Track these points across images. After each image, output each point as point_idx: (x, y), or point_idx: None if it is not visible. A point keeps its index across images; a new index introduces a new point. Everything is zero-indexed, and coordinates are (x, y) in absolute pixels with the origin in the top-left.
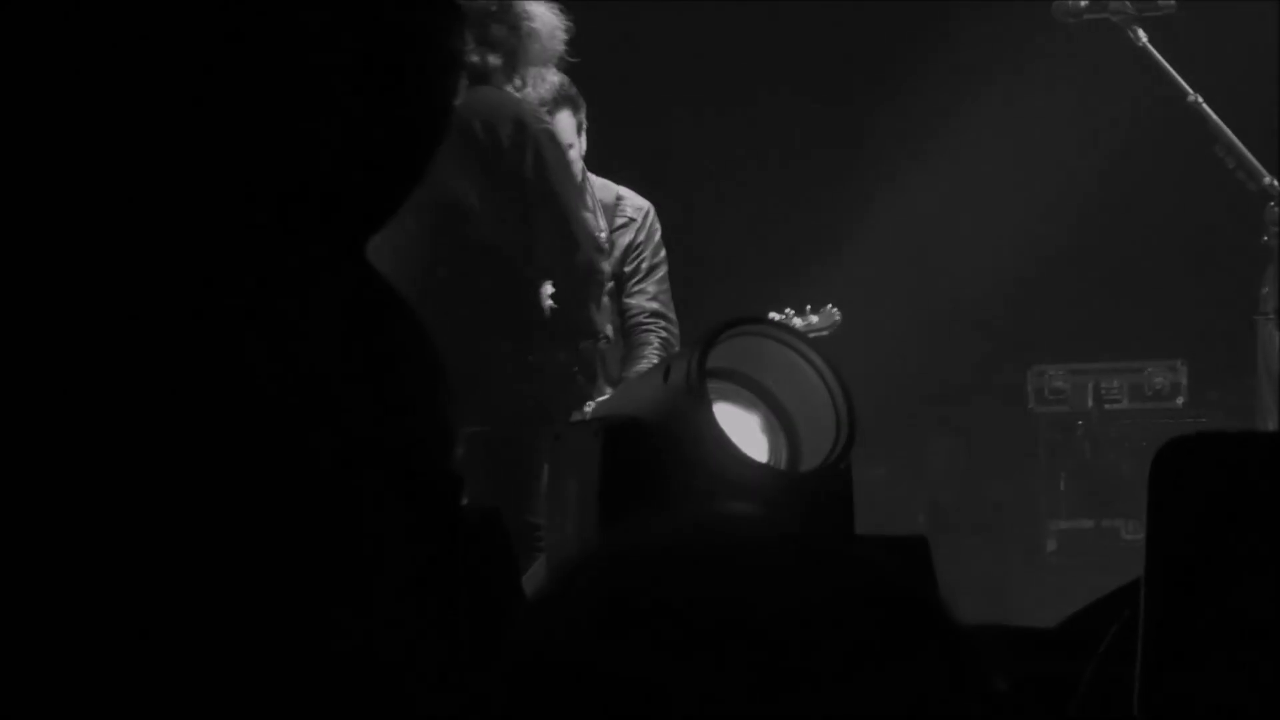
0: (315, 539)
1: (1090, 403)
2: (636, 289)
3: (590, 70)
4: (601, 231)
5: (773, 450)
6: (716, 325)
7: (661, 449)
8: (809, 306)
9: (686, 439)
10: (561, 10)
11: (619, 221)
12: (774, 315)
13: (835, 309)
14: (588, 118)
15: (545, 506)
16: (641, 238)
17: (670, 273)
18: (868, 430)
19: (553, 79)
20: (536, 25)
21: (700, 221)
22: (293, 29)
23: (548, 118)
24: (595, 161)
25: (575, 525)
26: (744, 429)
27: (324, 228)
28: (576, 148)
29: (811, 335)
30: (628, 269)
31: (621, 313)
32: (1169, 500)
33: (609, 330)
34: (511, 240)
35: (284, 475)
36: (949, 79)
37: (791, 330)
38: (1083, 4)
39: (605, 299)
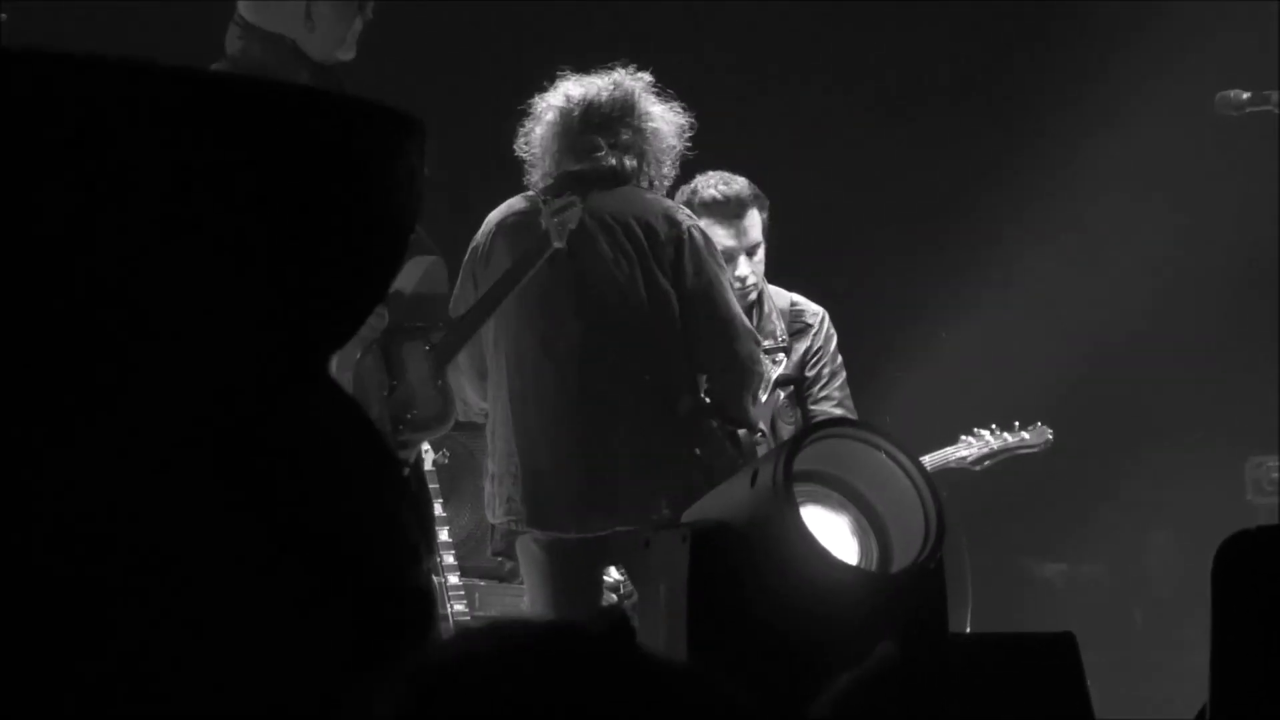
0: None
1: None
2: (822, 395)
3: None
4: (783, 337)
5: (863, 552)
6: (803, 429)
7: (750, 553)
8: (1017, 423)
9: (775, 542)
10: (682, 109)
11: (796, 327)
12: (980, 430)
13: (1048, 429)
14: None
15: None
16: (819, 343)
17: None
18: (1086, 526)
19: (672, 174)
20: (659, 125)
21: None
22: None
23: (691, 214)
24: None
25: (665, 633)
26: (833, 531)
27: (282, 350)
28: (762, 248)
29: (1022, 452)
30: (809, 374)
31: (807, 418)
32: (1233, 596)
33: (763, 426)
34: (672, 335)
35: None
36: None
37: (878, 430)
38: (1245, 97)
39: (763, 395)
